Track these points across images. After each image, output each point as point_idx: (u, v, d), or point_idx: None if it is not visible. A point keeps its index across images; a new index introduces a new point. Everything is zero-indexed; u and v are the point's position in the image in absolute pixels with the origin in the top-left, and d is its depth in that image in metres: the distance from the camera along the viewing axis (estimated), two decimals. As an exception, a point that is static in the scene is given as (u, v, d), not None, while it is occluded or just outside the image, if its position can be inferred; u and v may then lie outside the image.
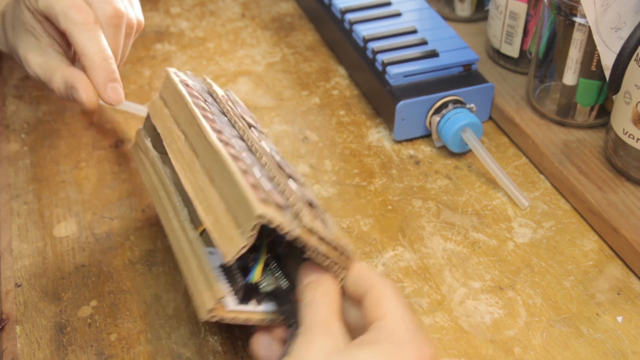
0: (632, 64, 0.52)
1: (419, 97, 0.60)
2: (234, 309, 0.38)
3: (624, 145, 0.54)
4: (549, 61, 0.60)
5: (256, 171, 0.40)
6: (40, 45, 0.53)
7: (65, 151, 0.61)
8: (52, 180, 0.59)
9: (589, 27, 0.55)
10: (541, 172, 0.59)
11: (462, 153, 0.61)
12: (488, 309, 0.48)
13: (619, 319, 0.48)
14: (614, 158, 0.56)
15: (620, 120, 0.54)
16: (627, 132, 0.54)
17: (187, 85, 0.48)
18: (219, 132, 0.42)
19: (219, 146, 0.40)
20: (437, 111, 0.60)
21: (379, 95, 0.64)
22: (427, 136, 0.63)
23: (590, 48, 0.56)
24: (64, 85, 0.51)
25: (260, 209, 0.35)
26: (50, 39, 0.53)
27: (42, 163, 0.60)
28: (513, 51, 0.66)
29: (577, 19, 0.56)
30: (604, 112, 0.60)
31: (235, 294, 0.39)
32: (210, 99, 0.48)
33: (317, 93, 0.68)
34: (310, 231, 0.37)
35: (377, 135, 0.63)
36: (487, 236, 0.54)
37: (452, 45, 0.64)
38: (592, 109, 0.60)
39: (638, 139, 0.53)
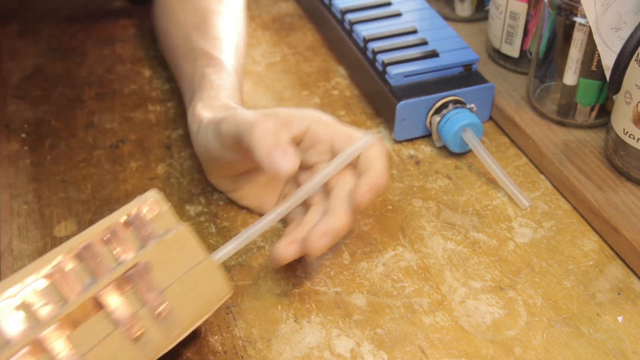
0: (633, 63, 0.52)
1: (419, 97, 0.60)
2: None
3: (624, 145, 0.54)
4: (549, 61, 0.60)
5: None
6: None
7: (65, 151, 0.61)
8: (52, 180, 0.59)
9: (589, 27, 0.55)
10: (541, 172, 0.59)
11: (463, 153, 0.61)
12: (488, 309, 0.48)
13: (620, 319, 0.48)
14: (615, 158, 0.56)
15: (621, 120, 0.54)
16: (627, 132, 0.54)
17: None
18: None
19: None
20: (438, 111, 0.60)
21: (379, 96, 0.63)
22: (428, 136, 0.63)
23: (590, 48, 0.56)
24: None
25: None
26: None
27: (42, 163, 0.60)
28: (513, 51, 0.66)
29: (578, 19, 0.56)
30: (604, 112, 0.60)
31: None
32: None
33: (317, 93, 0.68)
34: None
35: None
36: (487, 236, 0.54)
37: (453, 45, 0.64)
38: (592, 108, 0.60)
39: (638, 139, 0.53)
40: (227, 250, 0.45)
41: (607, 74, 0.56)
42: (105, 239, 0.40)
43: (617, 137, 0.55)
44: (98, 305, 0.38)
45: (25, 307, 0.37)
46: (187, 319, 0.41)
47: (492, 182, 0.58)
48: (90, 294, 0.38)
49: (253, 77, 0.70)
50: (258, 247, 0.53)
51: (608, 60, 0.55)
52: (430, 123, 0.61)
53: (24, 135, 0.63)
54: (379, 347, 0.46)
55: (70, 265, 0.39)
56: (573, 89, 0.59)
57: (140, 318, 0.39)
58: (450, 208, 0.56)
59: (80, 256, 0.39)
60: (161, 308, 0.40)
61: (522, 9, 0.63)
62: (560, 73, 0.59)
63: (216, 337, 0.47)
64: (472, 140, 0.58)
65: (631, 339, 0.46)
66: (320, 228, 0.45)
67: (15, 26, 0.77)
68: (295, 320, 0.48)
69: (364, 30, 0.66)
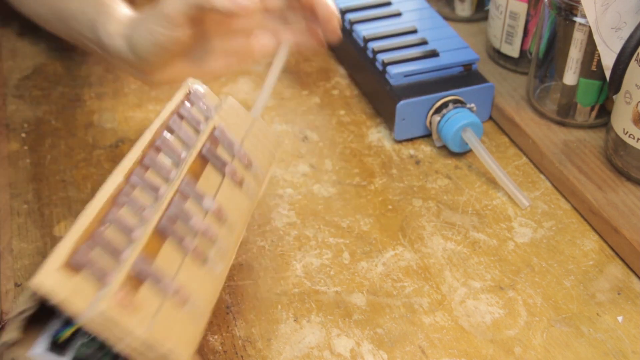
0: (633, 63, 0.52)
1: (419, 96, 0.60)
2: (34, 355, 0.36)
3: (624, 145, 0.54)
4: (549, 61, 0.60)
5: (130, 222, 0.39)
6: None
7: (65, 151, 0.61)
8: (52, 179, 0.59)
9: (589, 27, 0.55)
10: (541, 172, 0.59)
11: (463, 153, 0.61)
12: (488, 309, 0.48)
13: (620, 318, 0.48)
14: (614, 158, 0.56)
15: (621, 120, 0.54)
16: (627, 132, 0.54)
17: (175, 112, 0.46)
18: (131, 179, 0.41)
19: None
20: (438, 111, 0.60)
21: (379, 95, 0.63)
22: (428, 136, 0.63)
23: (590, 48, 0.56)
24: None
25: (42, 278, 0.32)
26: None
27: (42, 163, 0.60)
28: (513, 51, 0.66)
29: (578, 19, 0.56)
30: (604, 112, 0.60)
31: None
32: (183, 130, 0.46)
33: (317, 93, 0.68)
34: (112, 320, 0.33)
35: (377, 135, 0.63)
36: (487, 236, 0.54)
37: (453, 45, 0.64)
38: (592, 108, 0.60)
39: (638, 139, 0.53)
40: (262, 102, 0.51)
41: (607, 74, 0.56)
42: (180, 115, 0.46)
43: (617, 137, 0.55)
44: (204, 161, 0.44)
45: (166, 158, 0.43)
46: (263, 168, 0.48)
47: (492, 182, 0.58)
48: (196, 150, 0.44)
49: (253, 77, 0.70)
50: (258, 247, 0.53)
51: (608, 60, 0.55)
52: (430, 123, 0.61)
53: (23, 135, 0.63)
54: (379, 347, 0.46)
55: (167, 135, 0.44)
56: (573, 89, 0.59)
57: (236, 167, 0.46)
58: (450, 208, 0.56)
59: (170, 129, 0.45)
60: (246, 159, 0.47)
61: (522, 9, 0.63)
62: (560, 73, 0.59)
63: (216, 336, 0.47)
64: (472, 140, 0.58)
65: (631, 339, 0.46)
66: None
67: (15, 26, 0.77)
68: (295, 320, 0.48)
69: (364, 30, 0.66)
